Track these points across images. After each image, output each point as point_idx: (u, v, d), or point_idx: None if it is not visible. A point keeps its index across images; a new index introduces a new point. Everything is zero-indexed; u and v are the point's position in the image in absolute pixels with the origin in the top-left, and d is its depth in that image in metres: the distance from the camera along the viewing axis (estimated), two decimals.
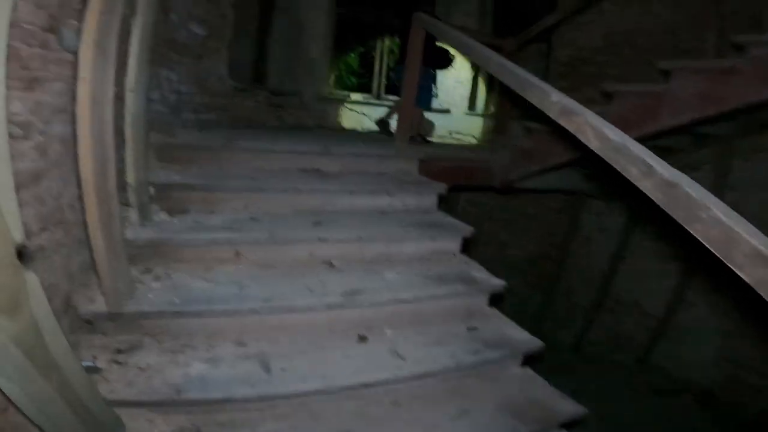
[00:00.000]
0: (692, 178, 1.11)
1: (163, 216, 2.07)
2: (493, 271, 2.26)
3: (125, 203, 1.82)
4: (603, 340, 5.38)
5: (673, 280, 4.79)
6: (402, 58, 4.08)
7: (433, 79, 4.96)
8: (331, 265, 2.08)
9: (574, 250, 5.74)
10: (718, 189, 4.17)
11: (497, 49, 2.89)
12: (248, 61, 5.23)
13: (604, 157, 1.29)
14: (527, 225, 6.09)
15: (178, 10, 3.53)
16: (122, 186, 1.75)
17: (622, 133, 1.29)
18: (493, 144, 4.63)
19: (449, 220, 2.62)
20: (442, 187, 2.85)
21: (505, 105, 5.06)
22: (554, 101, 1.50)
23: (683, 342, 4.74)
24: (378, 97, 6.41)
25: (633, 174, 1.17)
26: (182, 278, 1.82)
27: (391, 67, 6.45)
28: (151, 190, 2.09)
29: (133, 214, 1.90)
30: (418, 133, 4.40)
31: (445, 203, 2.92)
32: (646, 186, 1.14)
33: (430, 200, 2.78)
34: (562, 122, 1.46)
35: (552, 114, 1.51)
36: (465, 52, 3.68)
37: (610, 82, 3.41)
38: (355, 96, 6.08)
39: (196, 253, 1.95)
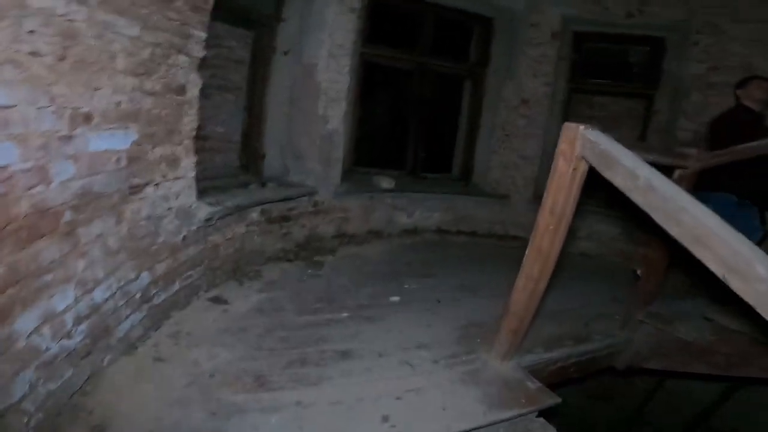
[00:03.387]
0: None
1: None
2: None
3: None
4: None
5: None
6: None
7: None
8: None
9: None
10: None
11: None
12: (234, 137, 3.42)
13: None
14: None
15: None
16: None
17: None
18: (628, 319, 2.91)
19: None
20: None
21: (658, 266, 2.88)
22: None
23: None
24: (414, 174, 4.65)
25: None
26: None
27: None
28: None
29: None
30: None
31: None
32: None
33: None
34: None
35: None
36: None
37: None
38: (386, 180, 4.26)
39: None
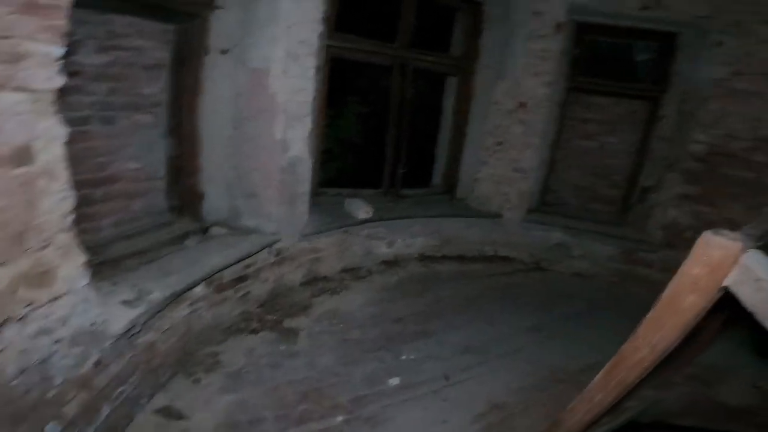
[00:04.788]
0: None
1: None
2: None
3: None
4: None
5: None
6: None
7: None
8: None
9: None
10: None
11: None
12: (156, 173, 2.44)
13: None
14: None
15: None
16: None
17: None
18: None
19: None
20: None
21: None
22: None
23: None
24: (393, 192, 3.86)
25: None
26: None
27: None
28: None
29: None
30: None
31: None
32: None
33: None
34: None
35: None
36: None
37: None
38: (362, 207, 3.44)
39: None
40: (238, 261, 2.45)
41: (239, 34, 2.49)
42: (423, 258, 3.89)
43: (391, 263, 3.74)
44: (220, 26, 2.44)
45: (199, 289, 2.26)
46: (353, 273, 3.52)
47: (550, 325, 3.07)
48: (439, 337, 2.83)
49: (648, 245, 3.79)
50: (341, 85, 3.55)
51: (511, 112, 3.82)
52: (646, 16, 3.58)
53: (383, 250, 3.69)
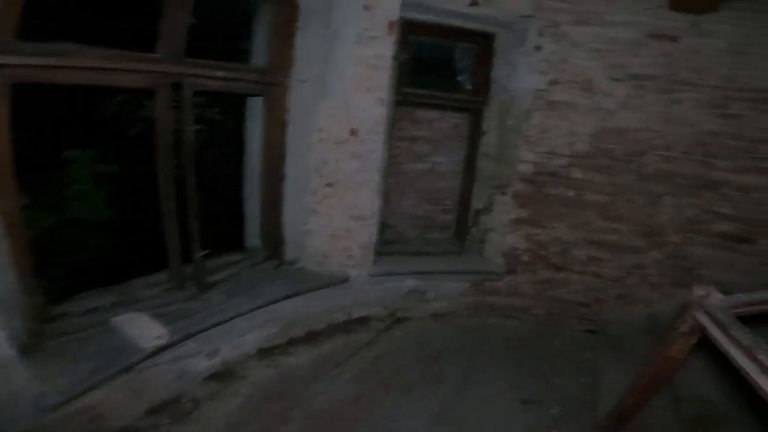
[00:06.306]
0: None
1: None
2: None
3: None
4: None
5: None
6: None
7: None
8: None
9: None
10: None
11: None
12: None
13: None
14: None
15: None
16: None
17: None
18: None
19: None
20: None
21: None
22: None
23: None
24: (188, 285, 2.47)
25: None
26: None
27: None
28: None
29: None
30: None
31: None
32: None
33: None
34: None
35: None
36: None
37: None
38: (146, 324, 2.00)
39: None
40: None
41: None
42: (264, 353, 2.73)
43: (221, 376, 2.46)
44: None
45: None
46: (170, 411, 2.15)
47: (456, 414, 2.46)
48: None
49: (493, 275, 3.58)
50: (55, 131, 1.90)
51: (342, 144, 2.88)
52: (475, 15, 3.09)
53: (204, 364, 2.39)
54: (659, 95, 3.18)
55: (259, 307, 2.59)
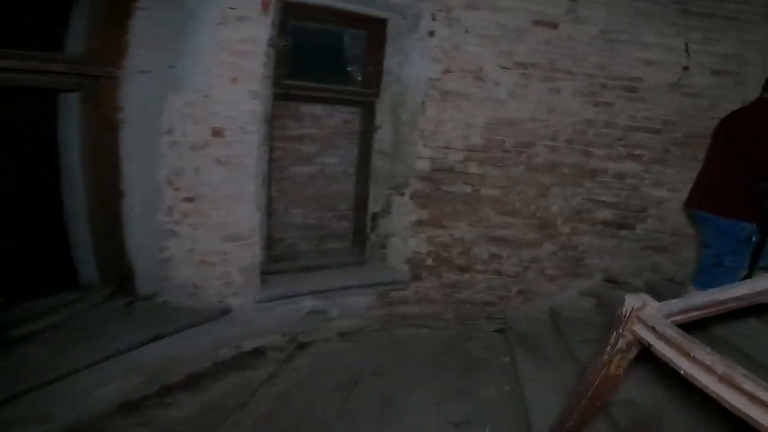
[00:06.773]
0: None
1: None
2: None
3: None
4: None
5: None
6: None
7: None
8: None
9: None
10: None
11: None
12: None
13: None
14: None
15: None
16: None
17: None
18: None
19: None
20: None
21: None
22: None
23: None
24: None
25: None
26: None
27: None
28: None
29: None
30: None
31: None
32: None
33: None
34: None
35: None
36: None
37: None
38: None
39: None
40: None
41: None
42: (130, 408, 2.05)
43: None
44: None
45: None
46: None
47: None
48: None
49: (398, 283, 3.27)
50: None
51: (201, 148, 2.30)
52: None
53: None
54: (542, 84, 3.12)
55: (109, 357, 1.93)
